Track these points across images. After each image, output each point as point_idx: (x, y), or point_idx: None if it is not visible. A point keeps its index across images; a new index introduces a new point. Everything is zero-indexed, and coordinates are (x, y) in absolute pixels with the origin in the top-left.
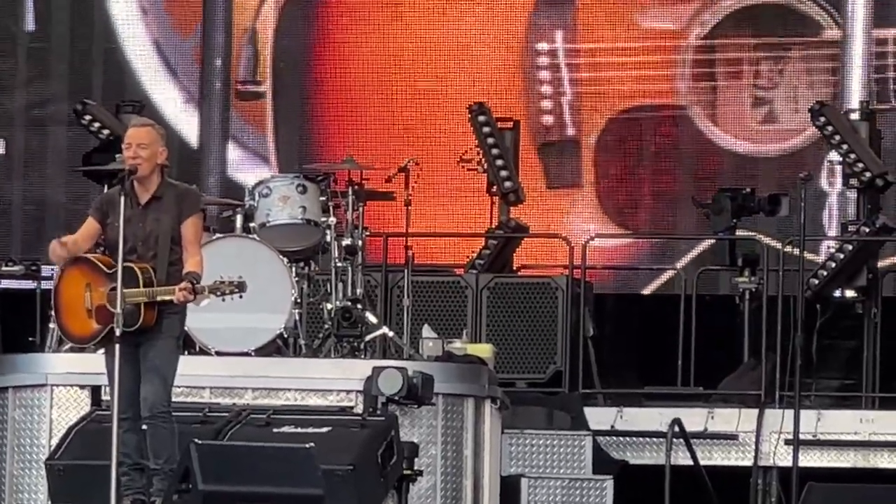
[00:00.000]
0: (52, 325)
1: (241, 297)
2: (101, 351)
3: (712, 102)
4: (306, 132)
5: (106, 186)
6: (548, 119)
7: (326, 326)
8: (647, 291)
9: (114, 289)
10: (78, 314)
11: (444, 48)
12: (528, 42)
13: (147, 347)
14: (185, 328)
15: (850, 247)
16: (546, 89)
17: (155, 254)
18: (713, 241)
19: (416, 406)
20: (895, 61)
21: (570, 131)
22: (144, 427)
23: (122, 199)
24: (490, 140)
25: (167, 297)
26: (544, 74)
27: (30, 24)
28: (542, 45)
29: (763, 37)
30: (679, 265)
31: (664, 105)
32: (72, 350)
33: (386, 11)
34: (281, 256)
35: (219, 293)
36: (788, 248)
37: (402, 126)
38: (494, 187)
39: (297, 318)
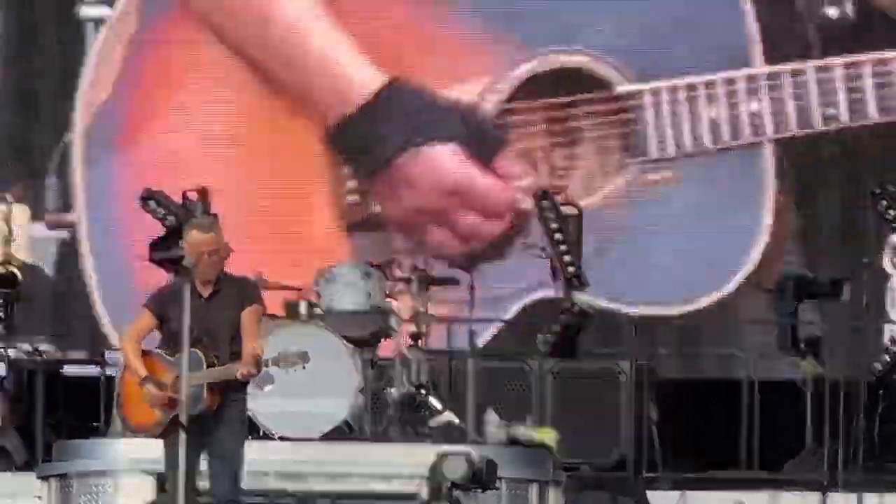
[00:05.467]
0: (116, 412)
1: (304, 367)
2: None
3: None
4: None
5: (172, 274)
6: (352, 198)
7: (391, 412)
8: (710, 375)
9: (178, 376)
10: (140, 404)
11: None
12: None
13: (212, 438)
14: (249, 412)
15: None
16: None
17: (218, 346)
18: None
19: (480, 491)
20: None
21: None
22: None
23: (188, 291)
24: (554, 226)
25: (232, 377)
26: None
27: None
28: None
29: (555, 97)
30: (742, 349)
31: None
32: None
33: None
34: (345, 342)
35: (281, 364)
36: (851, 333)
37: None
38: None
39: (362, 403)
